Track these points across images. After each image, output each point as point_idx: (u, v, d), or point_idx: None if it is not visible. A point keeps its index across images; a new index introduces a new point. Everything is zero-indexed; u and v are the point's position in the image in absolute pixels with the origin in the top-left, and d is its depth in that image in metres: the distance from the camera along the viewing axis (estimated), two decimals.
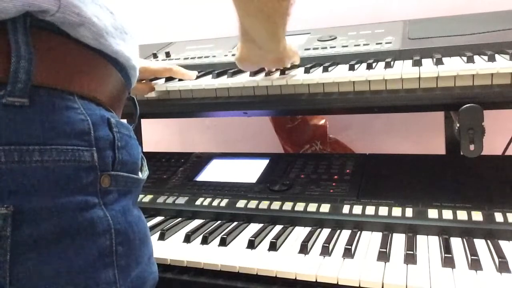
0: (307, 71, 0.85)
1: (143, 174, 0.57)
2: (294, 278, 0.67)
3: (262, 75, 0.90)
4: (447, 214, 0.78)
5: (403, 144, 1.39)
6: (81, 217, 0.45)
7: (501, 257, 0.65)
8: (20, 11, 0.42)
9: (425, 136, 1.34)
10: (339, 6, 1.34)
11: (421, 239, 0.75)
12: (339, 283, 0.64)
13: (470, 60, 0.76)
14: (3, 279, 0.41)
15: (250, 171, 1.03)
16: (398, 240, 0.75)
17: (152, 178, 1.06)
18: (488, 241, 0.72)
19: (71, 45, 0.47)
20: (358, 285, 0.63)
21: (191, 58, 1.13)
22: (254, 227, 0.85)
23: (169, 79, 0.98)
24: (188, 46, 1.22)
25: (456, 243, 0.73)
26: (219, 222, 0.88)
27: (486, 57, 0.76)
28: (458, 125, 0.72)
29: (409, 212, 0.80)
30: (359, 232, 0.79)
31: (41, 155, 0.42)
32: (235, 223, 0.87)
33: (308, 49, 1.02)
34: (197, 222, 0.90)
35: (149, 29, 1.41)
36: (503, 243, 0.71)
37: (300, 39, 1.10)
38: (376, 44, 0.97)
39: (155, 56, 1.19)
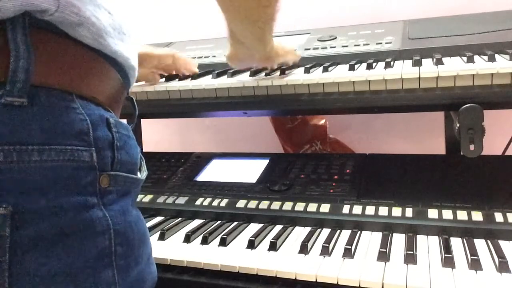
0: (307, 71, 0.85)
1: (142, 174, 0.57)
2: (294, 278, 0.67)
3: (262, 75, 0.90)
4: (447, 214, 0.78)
5: (403, 144, 1.39)
6: (80, 217, 0.45)
7: (501, 257, 0.64)
8: (19, 10, 0.42)
9: (425, 136, 1.34)
10: (339, 6, 1.34)
11: (421, 239, 0.75)
12: (339, 283, 0.64)
13: (470, 60, 0.76)
14: (2, 279, 0.41)
15: (250, 171, 1.03)
16: (398, 240, 0.75)
17: (152, 178, 1.06)
18: (488, 241, 0.71)
19: (70, 45, 0.47)
20: (358, 285, 0.63)
21: (191, 58, 1.13)
22: (254, 227, 0.85)
23: (169, 79, 0.98)
24: (188, 46, 1.22)
25: (456, 243, 0.73)
26: (219, 222, 0.88)
27: (486, 57, 0.76)
28: (458, 125, 0.72)
29: (409, 212, 0.80)
30: (359, 232, 0.79)
31: (40, 155, 0.42)
32: (235, 223, 0.87)
33: (308, 49, 1.02)
34: (197, 222, 0.90)
35: (149, 29, 1.41)
36: (503, 243, 0.71)
37: (300, 39, 1.10)
38: (376, 44, 0.97)
39: None
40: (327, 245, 0.72)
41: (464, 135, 0.71)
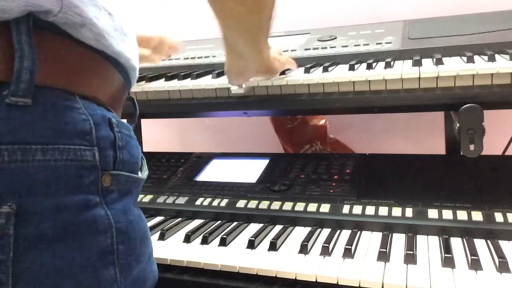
0: (307, 71, 0.85)
1: (143, 174, 0.57)
2: (294, 278, 0.67)
3: None
4: (447, 214, 0.78)
5: (403, 144, 1.39)
6: (83, 215, 0.46)
7: (501, 257, 0.65)
8: (23, 11, 0.42)
9: (425, 136, 1.34)
10: (339, 6, 1.34)
11: (421, 239, 0.75)
12: (339, 283, 0.64)
13: (470, 60, 0.76)
14: (6, 277, 0.41)
15: (250, 171, 1.03)
16: (398, 240, 0.75)
17: (152, 178, 1.06)
18: (488, 241, 0.72)
19: (72, 46, 0.47)
20: (358, 285, 0.63)
21: (191, 58, 1.13)
22: (254, 227, 0.85)
23: (169, 79, 0.98)
24: (188, 46, 1.22)
25: (456, 243, 0.73)
26: (219, 222, 0.88)
27: (486, 57, 0.76)
28: (458, 125, 0.72)
29: (409, 212, 0.80)
30: (359, 232, 0.79)
31: (43, 154, 0.43)
32: (235, 223, 0.87)
33: (308, 49, 1.02)
34: (197, 222, 0.90)
35: (149, 29, 1.41)
36: (503, 243, 0.71)
37: (300, 39, 1.10)
38: (376, 44, 0.97)
39: None
40: (327, 245, 0.72)
41: (464, 135, 0.71)
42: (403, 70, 0.77)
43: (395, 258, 0.69)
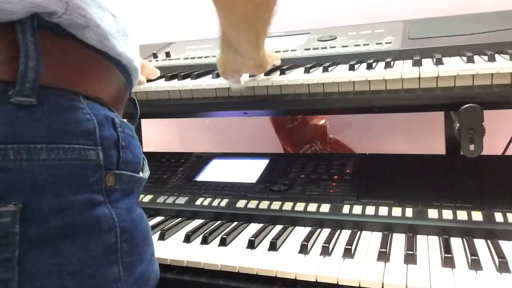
0: (307, 71, 0.85)
1: (145, 174, 0.58)
2: (294, 278, 0.67)
3: (262, 75, 0.90)
4: (447, 214, 0.78)
5: (403, 144, 1.39)
6: (87, 214, 0.46)
7: (501, 257, 0.65)
8: (28, 12, 0.43)
9: (425, 136, 1.34)
10: (339, 6, 1.34)
11: (421, 239, 0.75)
12: (339, 283, 0.64)
13: (470, 60, 0.76)
14: (11, 275, 0.41)
15: (250, 171, 1.03)
16: (398, 240, 0.75)
17: (152, 178, 1.06)
18: (488, 241, 0.71)
19: (76, 47, 0.48)
20: (358, 285, 0.63)
21: (191, 58, 1.13)
22: (254, 227, 0.85)
23: (169, 79, 0.98)
24: (188, 46, 1.22)
25: (456, 243, 0.73)
26: (219, 222, 0.88)
27: (486, 57, 0.76)
28: (458, 125, 0.72)
29: (409, 212, 0.80)
30: (359, 232, 0.79)
31: (48, 153, 0.43)
32: (235, 223, 0.87)
33: (308, 49, 1.02)
34: (197, 222, 0.90)
35: (149, 29, 1.41)
36: (503, 243, 0.71)
37: (300, 39, 1.10)
38: (376, 44, 0.97)
39: (155, 56, 1.19)
40: (327, 245, 0.72)
41: (464, 135, 0.71)
42: (403, 70, 0.77)
43: (395, 258, 0.69)
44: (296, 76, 0.84)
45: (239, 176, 1.02)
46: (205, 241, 0.79)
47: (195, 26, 1.35)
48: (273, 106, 0.90)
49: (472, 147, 0.71)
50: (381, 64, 0.84)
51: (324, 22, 1.22)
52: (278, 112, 1.19)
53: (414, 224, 0.78)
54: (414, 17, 1.10)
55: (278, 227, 0.83)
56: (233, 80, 0.86)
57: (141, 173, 0.57)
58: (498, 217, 0.75)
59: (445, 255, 0.66)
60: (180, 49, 1.21)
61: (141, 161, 0.57)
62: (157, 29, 1.48)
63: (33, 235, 0.42)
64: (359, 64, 0.87)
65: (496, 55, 0.77)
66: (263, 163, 1.06)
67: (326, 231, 0.80)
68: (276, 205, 0.88)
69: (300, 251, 0.73)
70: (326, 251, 0.71)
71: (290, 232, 0.81)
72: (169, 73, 1.01)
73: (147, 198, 0.98)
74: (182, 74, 0.96)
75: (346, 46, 0.99)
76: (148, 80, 0.99)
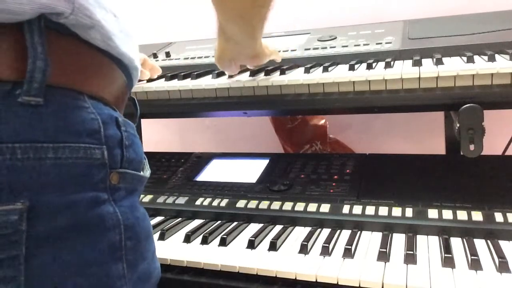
0: (307, 71, 0.85)
1: (146, 173, 0.59)
2: (294, 278, 0.67)
3: (262, 75, 0.90)
4: (447, 214, 0.78)
5: (403, 144, 1.39)
6: (92, 212, 0.47)
7: (501, 257, 0.65)
8: (36, 13, 0.43)
9: (425, 136, 1.34)
10: (339, 6, 1.34)
11: (421, 239, 0.75)
12: (339, 283, 0.64)
13: (470, 60, 0.76)
14: (18, 273, 0.42)
15: (250, 171, 1.03)
16: (398, 240, 0.75)
17: (152, 178, 1.06)
18: (488, 241, 0.72)
19: (81, 47, 0.48)
20: (358, 285, 0.63)
21: (191, 58, 1.13)
22: (254, 227, 0.85)
23: (169, 79, 0.98)
24: (188, 46, 1.22)
25: (456, 243, 0.73)
26: (219, 222, 0.88)
27: (486, 57, 0.76)
28: (458, 125, 0.72)
29: (409, 212, 0.80)
30: (359, 232, 0.79)
31: (55, 152, 0.44)
32: (235, 223, 0.87)
33: (308, 49, 1.02)
34: (197, 222, 0.90)
35: (149, 29, 1.41)
36: (503, 243, 0.71)
37: (300, 39, 1.10)
38: (376, 44, 0.97)
39: (155, 56, 1.19)
40: (327, 245, 0.72)
41: (464, 135, 0.71)
42: (403, 70, 0.77)
43: (395, 258, 0.69)
44: (296, 76, 0.84)
45: (239, 176, 1.02)
46: (205, 241, 0.79)
47: (195, 26, 1.35)
48: (273, 106, 0.90)
49: (472, 147, 0.71)
50: (381, 64, 0.84)
51: (324, 22, 1.22)
52: (278, 112, 1.19)
53: (414, 224, 0.78)
54: (414, 17, 1.10)
55: (278, 227, 0.83)
56: (229, 69, 0.87)
57: (142, 172, 0.57)
58: (498, 217, 0.75)
59: (445, 255, 0.66)
60: (180, 49, 1.22)
61: (143, 160, 0.57)
62: (157, 29, 1.48)
63: (39, 233, 0.43)
64: (359, 64, 0.87)
65: (496, 55, 0.77)
66: (263, 163, 1.06)
67: (326, 231, 0.80)
68: (276, 205, 0.88)
69: (300, 251, 0.73)
70: (326, 251, 0.71)
71: (290, 232, 0.81)
72: (169, 73, 1.01)
73: (147, 198, 0.98)
74: (182, 74, 0.96)
75: (346, 46, 0.99)
76: (149, 80, 0.99)
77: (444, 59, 0.80)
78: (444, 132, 1.12)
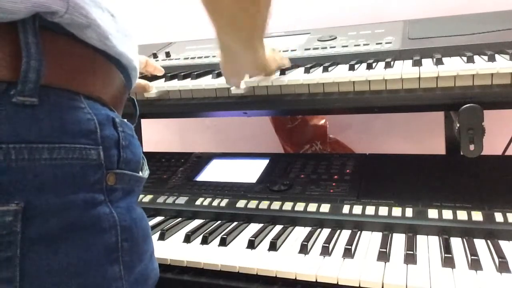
0: (307, 71, 0.85)
1: (144, 173, 0.58)
2: (294, 278, 0.67)
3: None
4: (447, 214, 0.78)
5: (403, 144, 1.39)
6: (88, 213, 0.46)
7: (501, 257, 0.65)
8: (31, 12, 0.43)
9: (425, 136, 1.34)
10: (339, 6, 1.34)
11: (421, 239, 0.75)
12: (339, 283, 0.64)
13: (470, 60, 0.76)
14: (13, 273, 0.41)
15: (250, 171, 1.03)
16: (398, 240, 0.75)
17: (152, 178, 1.06)
18: (488, 241, 0.72)
19: (77, 46, 0.48)
20: (358, 285, 0.63)
21: (191, 58, 1.13)
22: (254, 227, 0.85)
23: (169, 79, 0.98)
24: (188, 46, 1.22)
25: (456, 243, 0.73)
26: (219, 222, 0.88)
27: (486, 57, 0.76)
28: (458, 125, 0.72)
29: (409, 212, 0.80)
30: (359, 232, 0.79)
31: (50, 153, 0.43)
32: (235, 223, 0.87)
33: (308, 49, 1.02)
34: (197, 222, 0.90)
35: (149, 29, 1.41)
36: (503, 243, 0.71)
37: (300, 39, 1.10)
38: (376, 44, 0.97)
39: (155, 56, 1.19)
40: (327, 245, 0.72)
41: (464, 135, 0.71)
42: (403, 70, 0.77)
43: (395, 258, 0.69)
44: (296, 76, 0.84)
45: (239, 176, 1.02)
46: (205, 241, 0.79)
47: (195, 26, 1.35)
48: (273, 106, 0.90)
49: (472, 147, 0.71)
50: (381, 64, 0.84)
51: (324, 22, 1.22)
52: (278, 112, 1.19)
53: (414, 224, 0.78)
54: (414, 17, 1.10)
55: (278, 227, 0.83)
56: (234, 83, 0.85)
57: (140, 172, 0.57)
58: (498, 217, 0.75)
59: (445, 255, 0.66)
60: (180, 49, 1.22)
61: (141, 160, 0.57)
62: (157, 29, 1.48)
63: (34, 234, 0.42)
64: (359, 64, 0.87)
65: (496, 55, 0.77)
66: (263, 163, 1.06)
67: (326, 231, 0.80)
68: (276, 205, 0.88)
69: (300, 251, 0.73)
70: (326, 251, 0.71)
71: (290, 232, 0.81)
72: (169, 73, 1.01)
73: (147, 198, 0.98)
74: (182, 74, 0.96)
75: (346, 46, 0.99)
76: (149, 80, 0.99)
77: (444, 59, 0.80)
78: (444, 132, 1.11)
